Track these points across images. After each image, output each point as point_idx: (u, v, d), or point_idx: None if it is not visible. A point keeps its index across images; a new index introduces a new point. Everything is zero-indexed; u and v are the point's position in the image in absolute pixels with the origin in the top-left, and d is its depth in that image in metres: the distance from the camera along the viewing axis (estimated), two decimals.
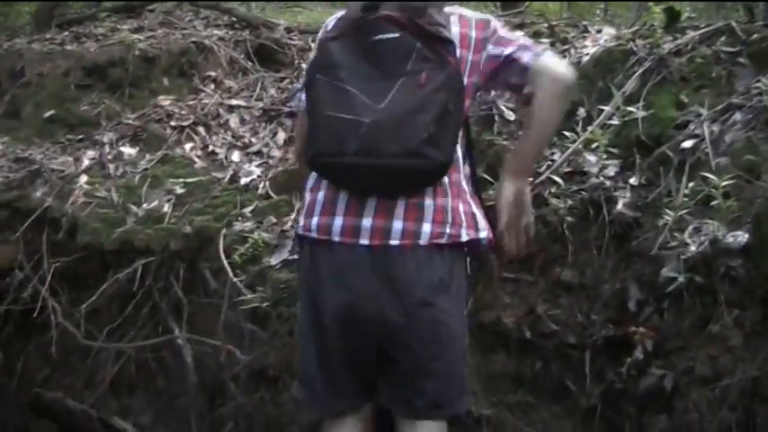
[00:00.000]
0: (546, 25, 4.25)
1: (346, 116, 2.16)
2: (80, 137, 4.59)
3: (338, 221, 2.27)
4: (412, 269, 2.24)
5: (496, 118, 3.49)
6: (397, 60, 2.20)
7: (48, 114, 4.72)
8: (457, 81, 2.23)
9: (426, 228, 2.24)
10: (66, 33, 5.93)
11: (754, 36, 3.32)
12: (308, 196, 2.38)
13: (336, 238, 2.26)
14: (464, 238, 2.27)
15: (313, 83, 2.27)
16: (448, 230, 2.26)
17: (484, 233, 2.33)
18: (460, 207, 2.29)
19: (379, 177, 2.19)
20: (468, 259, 2.39)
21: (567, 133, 3.13)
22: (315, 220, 2.31)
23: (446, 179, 2.27)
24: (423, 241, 2.24)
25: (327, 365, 2.39)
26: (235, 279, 3.37)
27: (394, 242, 2.23)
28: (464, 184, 2.35)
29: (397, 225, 2.23)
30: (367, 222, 2.24)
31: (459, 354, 2.39)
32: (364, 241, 2.24)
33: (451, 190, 2.28)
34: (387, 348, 2.32)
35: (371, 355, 2.35)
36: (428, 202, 2.25)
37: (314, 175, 2.37)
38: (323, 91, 2.24)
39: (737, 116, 2.97)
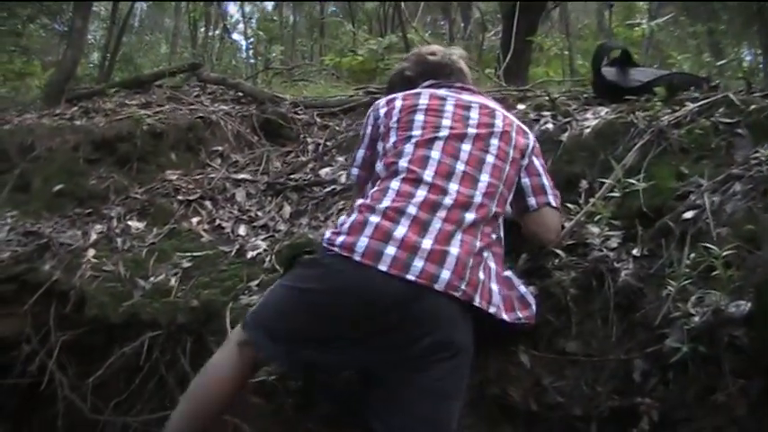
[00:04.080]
0: (547, 98, 4.32)
1: None
2: (88, 211, 4.64)
3: None
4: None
5: None
6: None
7: (57, 188, 4.76)
8: None
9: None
10: (76, 108, 6.03)
11: (752, 107, 3.36)
12: None
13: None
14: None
15: None
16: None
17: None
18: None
19: None
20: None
21: (569, 205, 3.17)
22: None
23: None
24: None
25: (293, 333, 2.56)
26: None
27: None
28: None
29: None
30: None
31: (451, 413, 2.48)
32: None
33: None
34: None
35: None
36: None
37: None
38: None
39: (737, 186, 2.99)
